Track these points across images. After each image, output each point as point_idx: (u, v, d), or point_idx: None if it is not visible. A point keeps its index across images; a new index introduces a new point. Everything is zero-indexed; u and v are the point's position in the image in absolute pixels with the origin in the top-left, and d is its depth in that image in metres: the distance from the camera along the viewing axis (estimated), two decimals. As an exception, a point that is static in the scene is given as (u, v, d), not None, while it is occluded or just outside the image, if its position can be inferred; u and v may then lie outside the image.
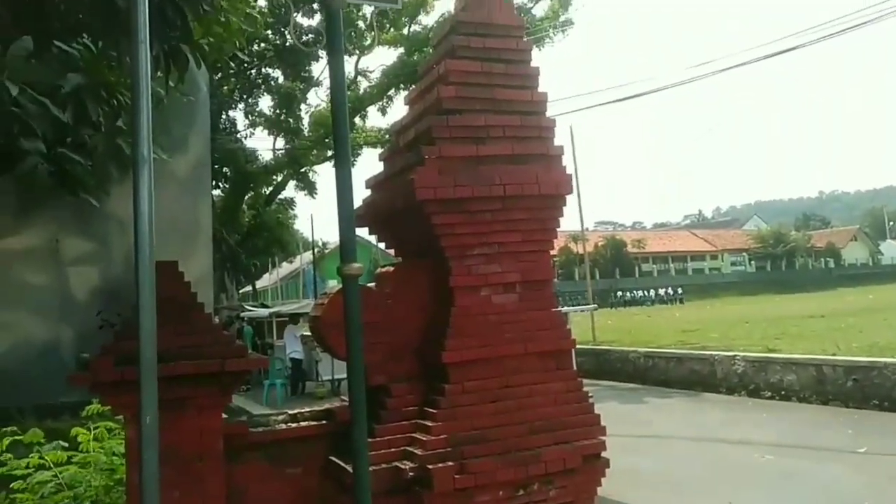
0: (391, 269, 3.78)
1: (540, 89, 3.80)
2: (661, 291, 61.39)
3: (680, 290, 60.33)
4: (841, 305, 29.29)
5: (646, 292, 62.45)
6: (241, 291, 35.01)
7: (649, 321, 29.98)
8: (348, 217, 2.55)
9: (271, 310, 20.02)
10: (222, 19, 3.04)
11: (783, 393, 11.40)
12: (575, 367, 3.88)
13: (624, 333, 21.21)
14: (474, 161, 3.51)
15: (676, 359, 14.05)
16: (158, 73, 2.97)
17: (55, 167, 2.43)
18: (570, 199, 3.90)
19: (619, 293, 60.77)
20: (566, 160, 3.85)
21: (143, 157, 1.89)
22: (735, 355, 12.64)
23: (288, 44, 15.98)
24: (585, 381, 3.94)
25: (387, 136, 17.82)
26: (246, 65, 16.69)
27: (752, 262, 78.93)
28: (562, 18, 19.54)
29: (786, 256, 76.90)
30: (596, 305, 19.74)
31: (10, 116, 2.03)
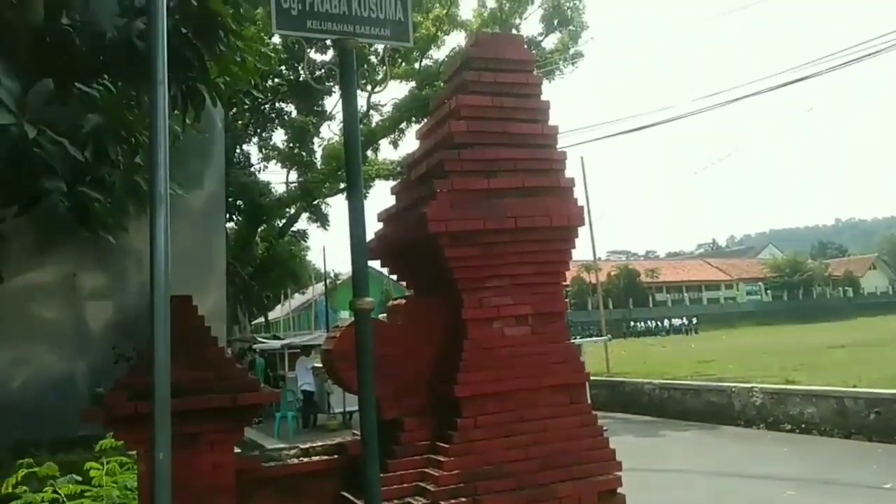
0: (403, 301, 3.78)
1: (550, 122, 3.84)
2: (676, 321, 60.79)
3: (694, 320, 59.69)
4: (861, 335, 28.84)
5: (660, 322, 61.90)
6: (253, 323, 35.11)
7: (664, 352, 29.65)
8: (361, 251, 2.57)
9: (283, 341, 20.02)
10: (238, 58, 3.11)
11: (803, 426, 11.17)
12: (589, 400, 3.83)
13: (638, 364, 20.97)
14: (486, 194, 3.53)
15: (693, 390, 13.84)
16: (175, 112, 3.03)
17: (75, 205, 2.48)
18: (583, 230, 3.90)
19: (633, 323, 60.23)
20: (578, 191, 3.87)
21: (160, 195, 1.93)
22: (753, 387, 12.44)
23: (301, 79, 16.27)
24: (599, 413, 3.89)
25: (399, 169, 17.98)
26: (260, 100, 17.00)
27: (769, 292, 78.10)
28: (571, 51, 19.79)
29: (803, 285, 76.06)
30: (609, 336, 19.56)
31: (30, 157, 2.08)
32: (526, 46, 4.11)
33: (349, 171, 2.54)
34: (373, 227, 4.24)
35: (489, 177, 3.56)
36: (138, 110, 2.78)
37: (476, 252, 3.48)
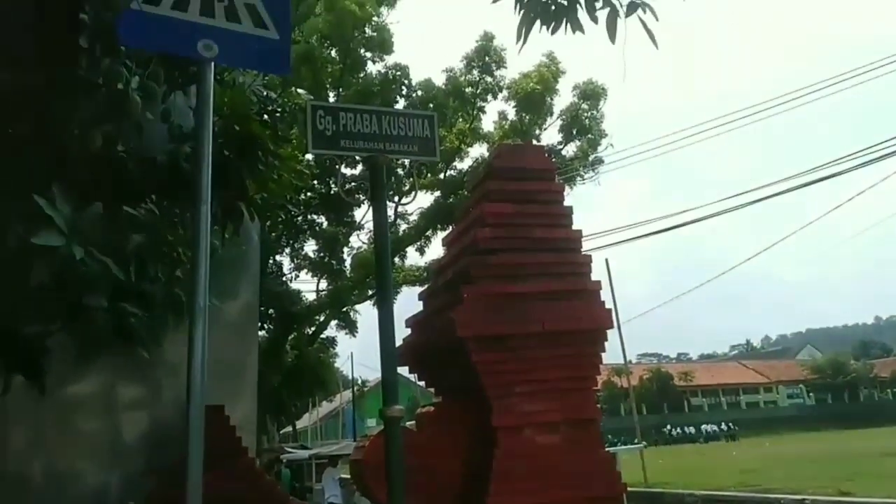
0: (431, 409, 3.75)
1: (574, 227, 3.94)
2: (711, 427, 58.18)
3: (732, 426, 57.03)
4: (916, 440, 27.19)
5: (697, 428, 59.32)
6: (281, 432, 34.51)
7: (704, 460, 28.20)
8: (391, 359, 2.60)
9: (311, 451, 19.59)
10: (275, 176, 3.31)
11: (862, 541, 10.38)
12: (627, 513, 3.67)
13: (678, 474, 19.92)
14: (512, 298, 3.58)
15: (738, 503, 13.05)
16: (216, 227, 3.20)
17: (115, 320, 2.58)
18: (611, 333, 3.90)
19: (670, 428, 57.77)
20: (604, 294, 3.90)
21: (199, 308, 2.01)
22: (804, 499, 11.70)
23: (332, 192, 16.93)
24: (639, 527, 3.71)
25: (425, 275, 18.21)
26: (293, 213, 17.66)
27: (811, 395, 74.69)
28: (591, 157, 20.40)
29: (847, 387, 72.71)
30: (644, 443, 18.75)
31: (76, 275, 2.21)
32: (547, 155, 4.30)
33: (379, 282, 2.63)
34: (401, 333, 4.30)
35: (515, 281, 3.62)
36: (182, 229, 2.95)
37: (504, 357, 3.48)
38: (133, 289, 2.66)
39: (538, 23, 2.89)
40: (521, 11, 2.88)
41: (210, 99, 2.34)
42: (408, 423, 3.64)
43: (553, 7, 2.84)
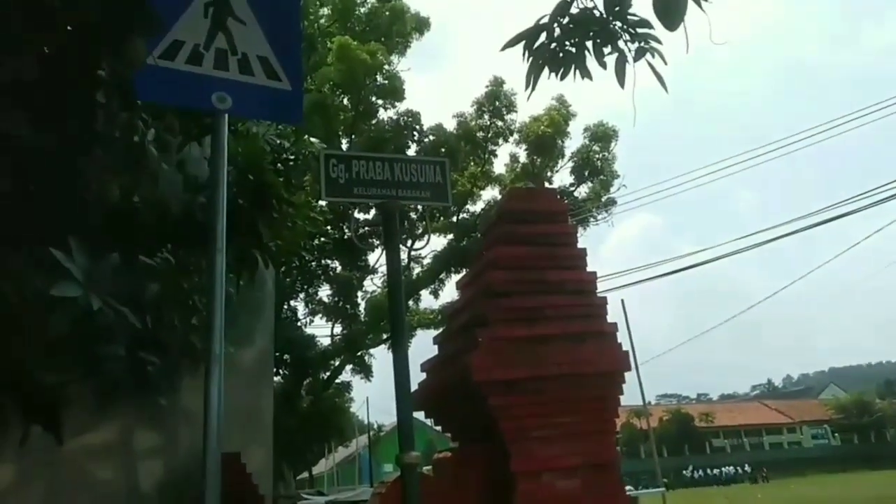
0: (448, 454, 3.69)
1: (588, 269, 3.92)
2: (733, 469, 56.62)
3: (754, 469, 55.44)
4: (949, 481, 26.25)
5: (720, 470, 57.76)
6: (297, 478, 34.02)
7: (729, 503, 27.36)
8: (406, 404, 2.57)
9: (327, 497, 19.29)
10: (289, 223, 3.35)
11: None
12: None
13: (704, 519, 19.30)
14: (528, 342, 3.54)
15: (768, 549, 12.58)
16: (230, 275, 3.22)
17: (133, 369, 2.59)
18: (629, 374, 3.84)
19: (693, 470, 56.29)
20: (621, 335, 3.86)
21: (215, 355, 2.02)
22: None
23: (346, 237, 17.07)
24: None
25: (439, 317, 18.16)
26: (307, 258, 17.80)
27: (836, 435, 72.65)
28: (604, 198, 20.48)
29: (873, 427, 70.69)
30: (665, 488, 18.22)
31: (93, 326, 2.23)
32: (559, 198, 4.32)
33: (393, 327, 2.62)
34: (416, 377, 4.26)
35: (530, 324, 3.59)
36: (198, 277, 2.97)
37: (521, 401, 3.43)
38: (150, 337, 2.67)
39: (546, 69, 2.93)
40: (530, 59, 2.93)
41: (224, 149, 2.39)
42: (425, 468, 3.58)
43: (561, 54, 2.89)
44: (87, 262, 2.27)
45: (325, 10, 19.59)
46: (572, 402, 3.53)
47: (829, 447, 70.10)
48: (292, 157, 4.04)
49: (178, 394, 3.11)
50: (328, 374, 21.93)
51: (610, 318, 3.84)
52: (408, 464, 2.48)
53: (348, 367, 21.95)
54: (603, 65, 2.90)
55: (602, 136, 20.23)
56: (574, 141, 20.62)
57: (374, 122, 19.19)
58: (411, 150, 18.75)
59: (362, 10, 19.55)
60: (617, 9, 2.74)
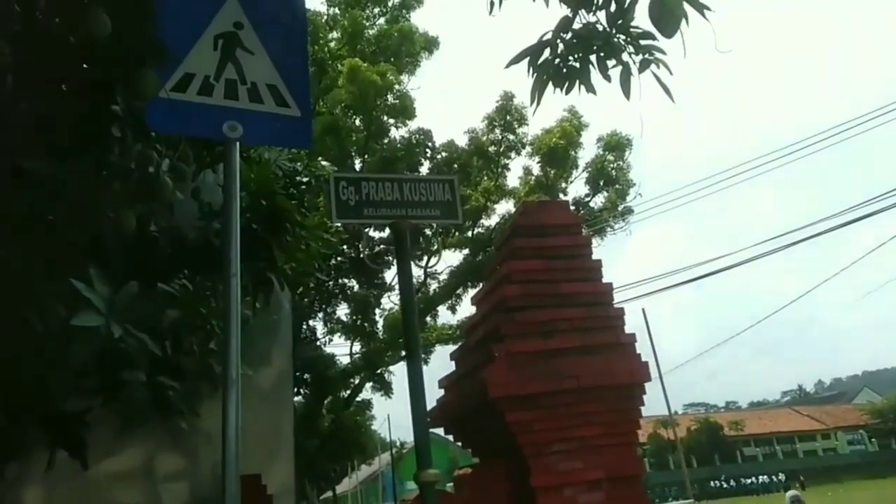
0: (469, 471, 3.68)
1: (604, 280, 3.91)
2: (767, 478, 55.49)
3: (781, 477, 54.27)
4: None
5: (756, 479, 56.63)
6: (321, 498, 33.98)
7: (764, 514, 26.82)
8: (422, 422, 2.59)
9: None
10: (303, 246, 3.40)
11: None
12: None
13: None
14: (544, 355, 3.54)
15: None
16: (247, 298, 3.27)
17: (154, 393, 2.64)
18: (653, 384, 3.82)
19: (725, 480, 55.25)
20: (643, 345, 3.84)
21: (232, 379, 2.05)
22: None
23: (362, 256, 17.17)
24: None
25: (457, 333, 18.13)
26: (324, 279, 17.93)
27: (873, 440, 70.94)
28: (620, 208, 20.39)
29: (911, 431, 68.94)
30: (693, 500, 17.89)
31: (114, 353, 2.28)
32: (572, 210, 4.32)
33: (407, 345, 2.64)
34: (435, 394, 4.27)
35: (546, 338, 3.59)
36: (215, 302, 3.02)
37: (539, 415, 3.42)
38: (169, 362, 2.72)
39: (551, 85, 2.97)
40: (535, 75, 2.96)
41: (236, 176, 2.44)
42: (448, 484, 3.58)
43: (564, 69, 2.92)
44: (107, 291, 2.32)
45: (335, 34, 19.89)
46: (591, 415, 3.52)
47: (866, 453, 68.44)
48: (305, 179, 4.10)
49: (199, 417, 3.14)
50: (348, 392, 21.97)
51: (631, 328, 3.82)
52: (426, 482, 2.48)
53: (368, 385, 21.98)
54: (607, 78, 2.92)
55: (616, 145, 20.20)
56: (588, 151, 20.63)
57: (386, 141, 19.36)
58: (424, 168, 18.88)
59: (371, 32, 19.82)
60: (620, 22, 2.77)
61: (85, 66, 2.61)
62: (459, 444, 4.41)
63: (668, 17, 2.48)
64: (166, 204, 2.96)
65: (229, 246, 2.29)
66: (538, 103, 3.01)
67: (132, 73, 2.48)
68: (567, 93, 2.99)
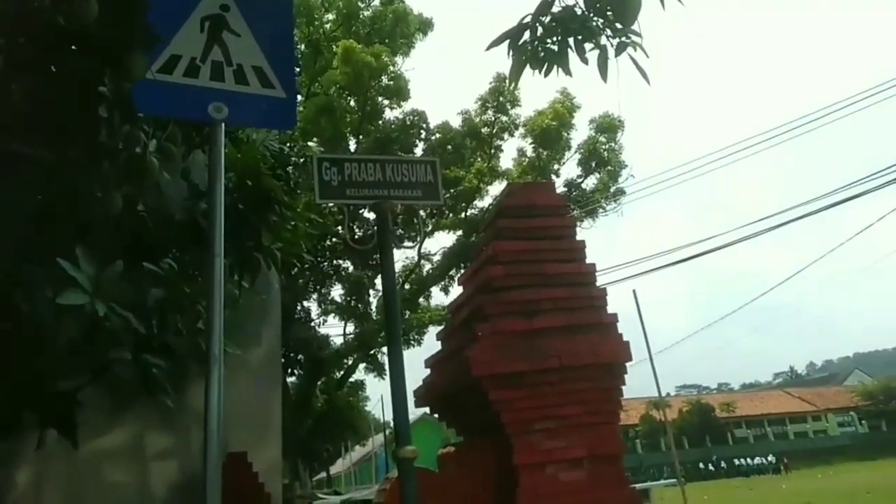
0: (453, 449, 3.75)
1: (587, 261, 3.96)
2: (758, 460, 56.06)
3: (772, 458, 54.81)
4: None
5: (746, 460, 57.25)
6: (314, 479, 34.32)
7: (752, 494, 27.20)
8: (401, 400, 2.65)
9: (343, 496, 19.47)
10: (290, 226, 3.44)
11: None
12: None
13: (725, 510, 19.23)
14: (528, 335, 3.59)
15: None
16: (235, 277, 3.32)
17: (139, 371, 2.69)
18: (644, 365, 3.89)
19: (717, 461, 55.85)
20: (633, 326, 3.90)
21: (214, 356, 2.10)
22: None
23: (356, 238, 17.23)
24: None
25: (448, 314, 18.24)
26: (319, 259, 17.97)
27: (864, 422, 71.60)
28: (612, 189, 20.45)
29: (903, 413, 69.50)
30: (682, 479, 18.11)
31: (100, 332, 2.33)
32: (558, 191, 4.36)
33: (388, 325, 2.69)
34: (424, 374, 4.33)
35: (530, 317, 3.64)
36: (202, 282, 3.07)
37: (522, 394, 3.48)
38: (155, 341, 2.77)
39: (528, 67, 3.00)
40: (513, 56, 2.99)
41: (221, 157, 2.47)
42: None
43: (542, 52, 2.95)
44: (93, 270, 2.37)
45: (330, 16, 19.76)
46: (573, 394, 3.58)
47: (856, 435, 69.12)
48: (295, 160, 4.13)
49: (187, 396, 3.20)
50: (342, 373, 22.13)
51: (623, 310, 3.86)
52: (404, 458, 2.55)
53: (362, 366, 22.14)
54: (585, 61, 2.96)
55: (608, 126, 20.21)
56: (580, 133, 20.63)
57: (380, 122, 19.33)
58: (418, 149, 18.89)
59: (366, 13, 19.71)
60: (597, 5, 2.81)
61: (74, 48, 2.63)
62: (445, 423, 4.48)
63: (624, 8, 2.54)
64: (153, 185, 3.00)
65: (213, 226, 2.33)
66: (516, 84, 3.04)
67: (120, 54, 2.51)
68: (546, 75, 3.02)
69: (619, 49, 2.90)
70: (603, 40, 2.90)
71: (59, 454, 3.16)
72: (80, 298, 2.24)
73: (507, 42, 2.97)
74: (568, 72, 2.99)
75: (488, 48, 3.01)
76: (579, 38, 2.87)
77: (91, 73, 2.60)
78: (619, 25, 2.82)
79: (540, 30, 2.93)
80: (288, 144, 4.18)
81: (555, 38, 2.92)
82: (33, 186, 2.62)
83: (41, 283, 2.41)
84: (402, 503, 2.53)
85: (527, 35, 2.95)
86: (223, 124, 2.57)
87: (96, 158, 2.71)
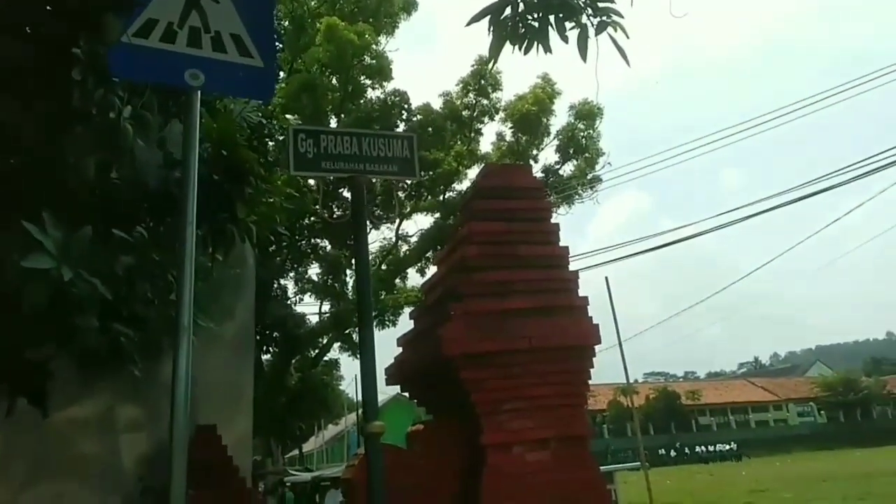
0: (422, 427, 3.77)
1: (561, 244, 3.98)
2: (720, 447, 57.44)
3: (734, 446, 56.15)
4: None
5: (708, 448, 58.53)
6: (287, 456, 34.34)
7: (712, 480, 27.85)
8: (371, 377, 2.66)
9: (314, 474, 19.54)
10: (266, 199, 3.41)
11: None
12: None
13: (685, 495, 19.72)
14: (499, 315, 3.61)
15: (746, 522, 12.87)
16: (210, 250, 3.29)
17: (106, 340, 2.66)
18: (613, 351, 3.94)
19: (678, 447, 57.01)
20: (605, 312, 3.94)
21: (183, 326, 2.08)
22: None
23: (335, 217, 17.11)
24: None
25: (423, 294, 18.26)
26: (297, 237, 17.82)
27: (822, 412, 73.56)
28: (589, 176, 20.54)
29: (859, 405, 71.61)
30: (646, 464, 18.44)
31: (66, 298, 2.29)
32: (535, 175, 4.37)
33: (360, 304, 2.70)
34: (396, 352, 4.34)
35: (502, 298, 3.66)
36: (171, 251, 3.04)
37: (492, 374, 3.50)
38: (124, 309, 2.74)
39: (508, 43, 2.99)
40: (493, 32, 2.97)
41: (196, 125, 2.44)
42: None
43: (523, 28, 2.94)
44: (60, 235, 2.33)
45: (315, -8, 19.44)
46: (542, 375, 3.61)
47: (815, 425, 70.99)
48: (272, 133, 4.09)
49: (158, 368, 3.18)
50: (317, 351, 22.08)
51: (595, 295, 3.89)
52: (371, 433, 2.57)
53: (336, 346, 22.10)
54: (565, 39, 2.95)
55: (587, 114, 20.23)
56: (560, 119, 20.65)
57: (362, 101, 19.14)
58: (399, 130, 18.74)
59: (351, -9, 19.42)
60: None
61: (48, 8, 2.56)
62: (415, 401, 4.50)
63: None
64: (128, 151, 2.94)
65: (186, 194, 2.30)
66: (495, 61, 3.02)
67: (95, 16, 2.45)
68: (526, 52, 3.01)
69: (600, 28, 2.90)
70: (584, 19, 2.90)
71: (28, 423, 3.12)
72: (46, 262, 2.20)
73: (488, 18, 2.95)
74: (548, 48, 2.98)
75: (469, 23, 2.98)
76: (560, 15, 2.85)
77: (65, 34, 2.54)
78: (600, 4, 2.82)
79: (521, 5, 2.91)
80: (268, 119, 4.13)
81: (536, 15, 2.90)
82: (4, 148, 2.56)
83: (7, 247, 2.37)
84: (369, 477, 2.55)
85: (508, 11, 2.93)
86: (199, 92, 2.53)
87: (69, 122, 2.65)
